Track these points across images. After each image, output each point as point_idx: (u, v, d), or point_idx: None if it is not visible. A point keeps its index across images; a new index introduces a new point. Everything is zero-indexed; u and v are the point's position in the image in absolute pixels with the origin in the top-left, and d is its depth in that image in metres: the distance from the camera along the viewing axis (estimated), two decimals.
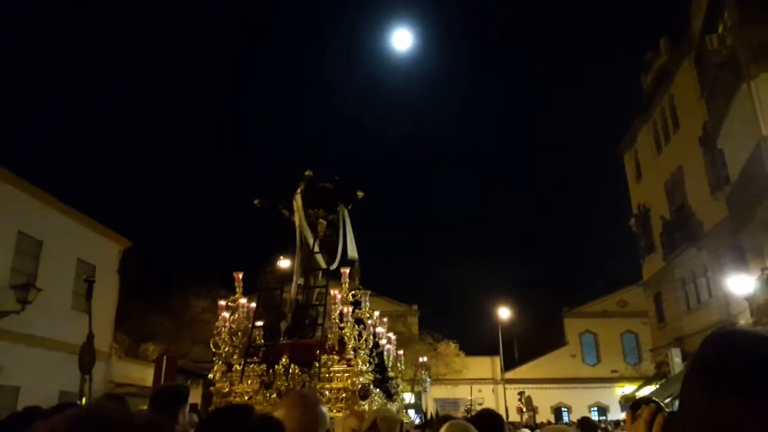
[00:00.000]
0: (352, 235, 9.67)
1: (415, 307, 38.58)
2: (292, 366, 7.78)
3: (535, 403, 31.66)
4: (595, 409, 35.73)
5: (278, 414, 2.04)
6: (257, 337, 8.37)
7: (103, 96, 66.65)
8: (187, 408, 3.21)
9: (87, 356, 16.80)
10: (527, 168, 78.99)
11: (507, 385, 33.38)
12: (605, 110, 69.62)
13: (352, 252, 9.60)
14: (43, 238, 19.49)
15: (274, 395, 7.42)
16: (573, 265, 73.78)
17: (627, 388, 32.82)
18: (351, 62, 74.50)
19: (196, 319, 27.15)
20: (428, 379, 21.10)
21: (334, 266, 9.35)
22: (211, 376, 8.14)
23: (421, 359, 22.08)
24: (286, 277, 9.54)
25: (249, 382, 7.85)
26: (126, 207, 52.42)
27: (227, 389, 7.91)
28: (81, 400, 13.85)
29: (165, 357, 18.28)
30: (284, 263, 10.81)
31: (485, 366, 36.87)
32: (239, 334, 8.37)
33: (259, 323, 8.48)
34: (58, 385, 17.73)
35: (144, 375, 22.82)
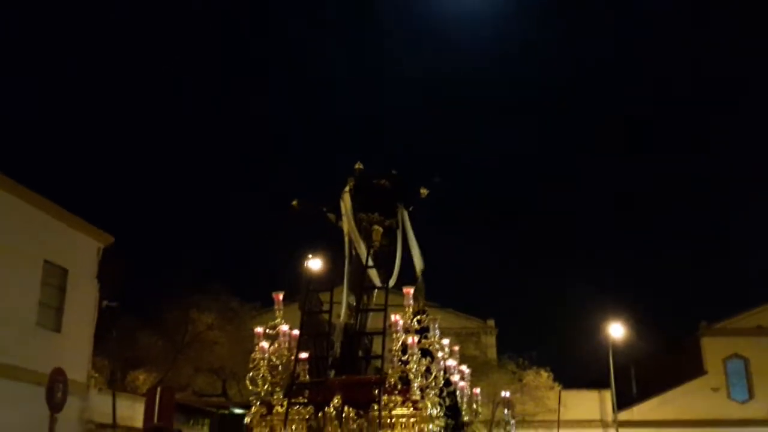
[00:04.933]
0: (416, 244, 10.78)
1: (491, 322, 39.66)
2: (345, 408, 9.02)
3: None
4: None
5: None
6: (302, 373, 9.66)
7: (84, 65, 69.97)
8: None
9: (59, 389, 18.23)
10: (642, 117, 78.00)
11: (621, 430, 34.22)
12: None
13: (419, 264, 10.72)
14: None
15: None
16: (714, 262, 72.81)
17: None
18: None
19: (199, 339, 28.74)
20: (512, 421, 22.15)
21: (391, 283, 10.49)
22: (247, 420, 9.49)
23: (502, 394, 23.18)
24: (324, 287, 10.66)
25: (294, 427, 9.13)
26: (107, 193, 54.44)
27: None
28: None
29: (159, 389, 19.79)
30: (319, 268, 12.07)
31: (591, 403, 37.73)
32: (280, 368, 9.65)
33: (304, 355, 9.76)
34: (20, 426, 19.02)
35: (132, 413, 24.42)
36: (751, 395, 38.07)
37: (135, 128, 71.67)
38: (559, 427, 32.20)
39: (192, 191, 66.92)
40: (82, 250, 24.92)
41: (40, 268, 22.99)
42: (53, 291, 23.87)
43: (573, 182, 77.33)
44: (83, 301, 24.76)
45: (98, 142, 66.75)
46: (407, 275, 10.82)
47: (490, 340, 38.57)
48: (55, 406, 16.94)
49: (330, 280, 11.20)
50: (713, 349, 38.63)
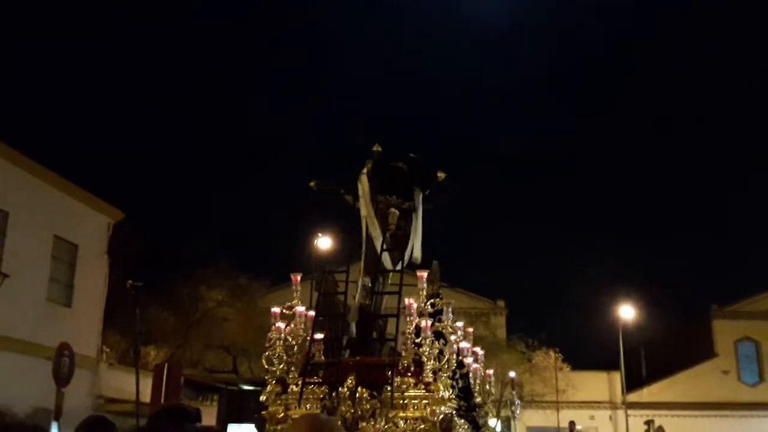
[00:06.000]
0: (420, 230, 10.94)
1: (501, 303, 39.96)
2: (359, 389, 9.26)
3: None
4: None
5: None
6: (317, 353, 9.90)
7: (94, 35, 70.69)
8: None
9: (65, 363, 18.43)
10: (651, 89, 77.57)
11: (630, 411, 34.53)
12: None
13: (417, 252, 10.89)
14: (8, 209, 21.14)
15: (339, 423, 8.90)
16: (725, 245, 72.87)
17: None
18: None
19: (209, 315, 29.24)
20: (518, 401, 22.44)
21: (398, 266, 10.70)
22: (263, 398, 9.77)
23: (510, 374, 23.45)
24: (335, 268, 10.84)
25: (308, 406, 9.39)
26: (116, 168, 54.97)
27: (282, 414, 9.49)
28: (56, 420, 15.58)
29: (166, 366, 20.06)
30: (332, 248, 12.28)
31: (600, 385, 38.12)
32: (295, 348, 9.90)
33: (319, 336, 10.00)
34: (29, 400, 19.20)
35: (142, 388, 24.70)
36: (761, 378, 38.46)
37: (146, 109, 72.37)
38: (558, 409, 32.55)
39: (201, 169, 67.56)
40: (92, 226, 25.25)
41: (51, 244, 23.29)
42: (64, 266, 24.20)
43: (586, 167, 77.41)
44: (94, 277, 25.12)
45: (109, 118, 67.25)
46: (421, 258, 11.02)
47: (500, 321, 38.84)
48: (61, 380, 17.18)
49: (345, 260, 11.41)
50: (724, 331, 38.93)
